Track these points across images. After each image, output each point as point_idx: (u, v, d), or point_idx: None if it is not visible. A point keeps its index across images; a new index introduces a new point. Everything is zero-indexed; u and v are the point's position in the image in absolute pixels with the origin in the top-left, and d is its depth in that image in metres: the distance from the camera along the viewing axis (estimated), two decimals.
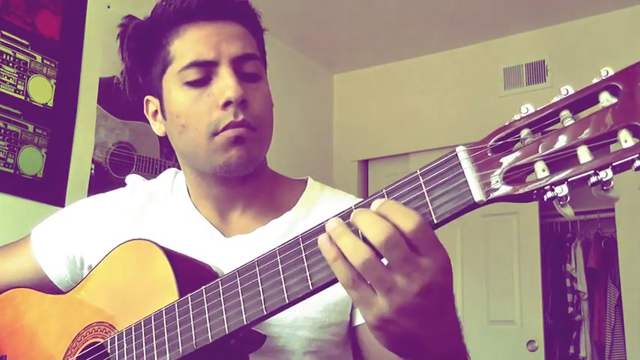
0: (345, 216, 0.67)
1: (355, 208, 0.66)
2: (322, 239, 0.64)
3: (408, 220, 0.61)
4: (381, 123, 4.28)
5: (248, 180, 0.97)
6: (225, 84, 0.91)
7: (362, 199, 0.68)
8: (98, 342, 0.91)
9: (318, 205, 1.00)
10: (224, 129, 0.90)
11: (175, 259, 0.86)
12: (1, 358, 1.05)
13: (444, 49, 4.14)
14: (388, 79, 4.34)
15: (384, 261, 0.62)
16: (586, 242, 3.98)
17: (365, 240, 0.62)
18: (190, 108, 0.92)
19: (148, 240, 0.90)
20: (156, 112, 1.01)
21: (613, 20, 3.66)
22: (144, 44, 0.98)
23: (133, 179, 1.11)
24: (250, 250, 0.78)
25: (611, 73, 0.58)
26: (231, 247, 0.97)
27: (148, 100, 1.02)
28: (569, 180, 0.57)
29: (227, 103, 0.90)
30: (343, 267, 0.63)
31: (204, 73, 0.92)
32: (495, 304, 3.77)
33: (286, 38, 3.92)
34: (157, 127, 1.02)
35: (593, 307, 3.87)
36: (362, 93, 4.44)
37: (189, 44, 0.93)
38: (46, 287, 1.08)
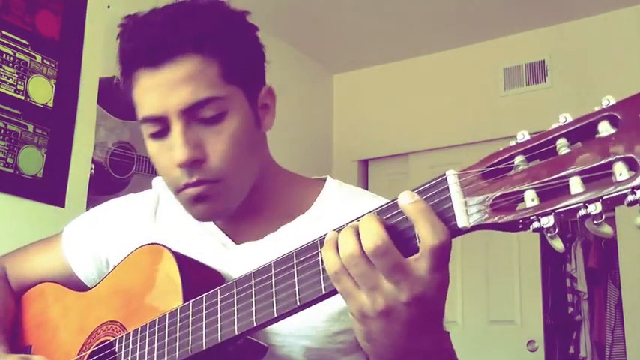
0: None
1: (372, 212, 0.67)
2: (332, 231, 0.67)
3: (432, 236, 0.60)
4: (381, 123, 4.28)
5: (250, 195, 0.94)
6: (174, 144, 0.85)
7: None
8: (109, 340, 0.94)
9: (334, 205, 0.97)
10: (184, 188, 0.88)
11: (185, 264, 0.88)
12: (26, 348, 1.11)
13: (443, 48, 4.13)
14: (388, 79, 4.34)
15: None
16: (586, 242, 3.98)
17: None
18: (156, 160, 0.91)
19: (162, 245, 0.92)
20: None
21: (613, 20, 3.66)
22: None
23: (157, 181, 1.11)
24: (260, 257, 0.78)
25: (613, 102, 0.56)
26: (241, 254, 0.96)
27: None
28: (556, 211, 0.55)
29: (179, 165, 0.86)
30: (331, 255, 0.64)
31: (160, 125, 0.87)
32: (495, 304, 3.77)
33: (286, 38, 3.92)
34: None
35: (593, 307, 3.87)
36: (362, 93, 4.44)
37: (142, 95, 0.88)
38: (74, 284, 1.11)
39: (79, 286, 1.11)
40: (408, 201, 0.62)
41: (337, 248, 0.64)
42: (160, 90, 0.85)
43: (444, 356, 0.71)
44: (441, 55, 4.17)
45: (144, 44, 0.86)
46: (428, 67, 4.21)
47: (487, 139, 3.82)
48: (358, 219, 0.66)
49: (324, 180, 1.02)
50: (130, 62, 0.89)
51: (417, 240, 0.62)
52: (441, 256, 0.61)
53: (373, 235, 0.62)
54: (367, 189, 4.73)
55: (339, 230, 0.66)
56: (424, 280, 0.62)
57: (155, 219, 1.06)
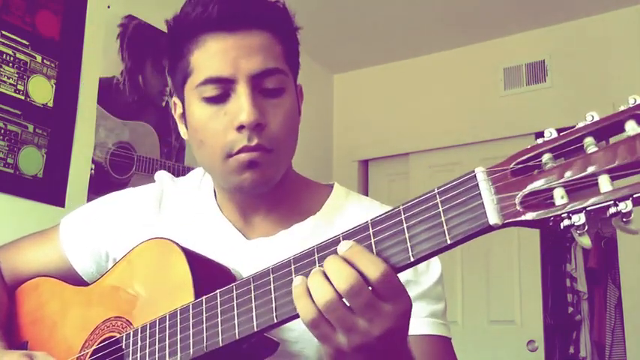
0: (331, 243, 0.70)
1: (342, 237, 0.69)
2: (297, 277, 0.69)
3: (373, 269, 0.65)
4: (381, 123, 4.28)
5: (269, 190, 0.96)
6: (240, 105, 0.87)
7: (382, 214, 0.69)
8: (114, 336, 0.93)
9: (343, 212, 1.00)
10: (238, 152, 0.88)
11: (194, 260, 0.87)
12: (22, 344, 1.07)
13: (443, 49, 4.14)
14: (388, 79, 4.34)
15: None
16: None
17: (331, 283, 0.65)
18: (207, 125, 0.90)
19: (169, 239, 0.91)
20: (182, 114, 0.99)
21: (613, 20, 3.66)
22: (168, 48, 0.96)
23: (161, 175, 1.11)
24: (272, 253, 0.79)
25: (639, 101, 0.56)
26: (253, 250, 0.97)
27: (175, 103, 1.00)
28: (587, 209, 0.56)
29: (241, 127, 0.87)
30: (307, 304, 0.67)
31: (222, 89, 0.89)
32: (495, 304, 3.77)
33: None
34: (183, 132, 1.00)
35: (593, 307, 3.87)
36: (362, 93, 4.44)
37: (207, 58, 0.89)
38: (72, 278, 1.09)
39: (76, 280, 1.08)
40: (346, 248, 0.66)
41: (310, 296, 0.67)
42: (232, 53, 0.88)
43: None
44: (441, 55, 4.17)
45: (220, 10, 0.88)
46: (428, 67, 4.21)
47: (487, 139, 3.82)
48: (332, 240, 0.69)
49: (332, 186, 1.06)
50: (197, 25, 0.90)
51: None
52: (390, 284, 0.65)
53: (345, 275, 0.65)
54: (367, 189, 4.73)
55: (305, 274, 0.69)
56: (389, 312, 0.65)
57: (159, 211, 1.06)
